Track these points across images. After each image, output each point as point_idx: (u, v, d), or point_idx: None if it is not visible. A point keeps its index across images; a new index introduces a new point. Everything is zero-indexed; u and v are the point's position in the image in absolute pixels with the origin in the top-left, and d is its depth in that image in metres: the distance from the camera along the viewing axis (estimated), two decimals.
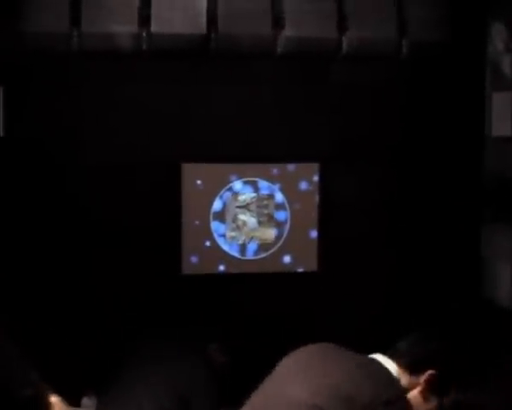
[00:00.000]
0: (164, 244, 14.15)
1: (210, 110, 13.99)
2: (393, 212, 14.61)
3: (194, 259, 14.44)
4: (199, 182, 14.38)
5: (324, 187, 14.49)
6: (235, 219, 14.55)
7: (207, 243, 14.47)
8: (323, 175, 14.47)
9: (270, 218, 14.58)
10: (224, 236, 14.49)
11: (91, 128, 13.65)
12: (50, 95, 13.50)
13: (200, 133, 14.05)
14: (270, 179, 14.59)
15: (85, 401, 12.35)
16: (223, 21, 13.55)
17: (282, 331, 13.79)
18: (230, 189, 14.49)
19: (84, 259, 13.83)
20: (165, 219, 14.09)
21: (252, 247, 14.62)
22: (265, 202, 14.60)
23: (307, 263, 14.76)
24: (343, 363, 2.84)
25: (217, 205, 14.48)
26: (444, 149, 14.45)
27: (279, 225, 14.64)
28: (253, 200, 14.56)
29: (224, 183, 14.50)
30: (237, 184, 14.52)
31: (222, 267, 14.57)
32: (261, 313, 14.01)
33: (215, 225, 14.48)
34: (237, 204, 14.53)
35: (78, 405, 12.02)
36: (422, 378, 2.66)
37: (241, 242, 14.57)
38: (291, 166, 14.61)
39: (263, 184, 14.57)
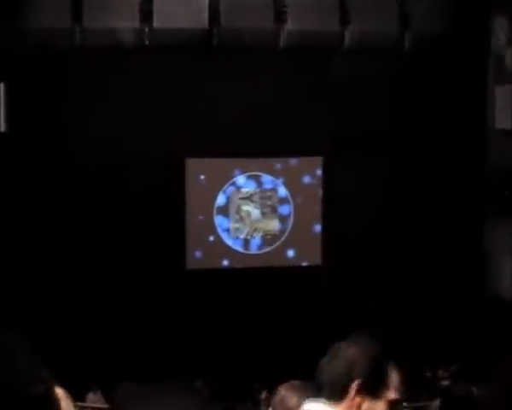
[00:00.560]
0: (168, 239, 14.21)
1: (212, 105, 14.01)
2: (397, 206, 14.57)
3: (198, 254, 14.55)
4: (202, 177, 14.46)
5: (328, 181, 14.54)
6: (238, 211, 14.59)
7: (211, 238, 14.58)
8: (327, 169, 14.51)
9: (274, 209, 14.63)
10: (227, 230, 14.55)
11: (93, 124, 13.65)
12: (52, 91, 13.48)
13: (203, 128, 14.08)
14: (274, 174, 14.63)
15: (90, 396, 12.40)
16: (225, 16, 13.64)
17: (286, 326, 13.79)
18: (234, 183, 14.55)
19: (87, 254, 13.84)
20: (168, 214, 14.15)
21: (255, 241, 14.65)
22: (269, 194, 14.62)
23: (311, 257, 14.83)
24: None
25: (220, 200, 14.53)
26: (446, 144, 14.40)
27: (283, 219, 14.66)
28: (257, 191, 14.60)
29: (227, 177, 14.56)
30: (240, 179, 14.58)
31: (226, 262, 14.68)
32: (264, 308, 13.91)
33: (219, 220, 14.55)
34: (240, 196, 14.56)
35: (83, 400, 12.07)
36: (352, 394, 2.68)
37: (244, 234, 14.63)
38: (294, 161, 14.68)
39: (266, 179, 14.61)
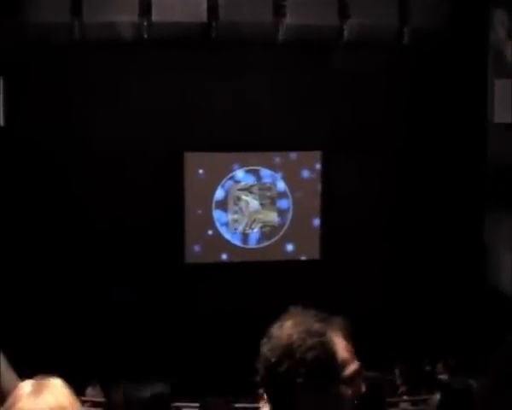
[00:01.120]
0: (166, 233, 14.22)
1: (211, 98, 13.98)
2: (396, 200, 14.56)
3: (196, 248, 14.56)
4: (201, 171, 14.45)
5: (326, 175, 14.53)
6: (237, 201, 14.59)
7: (210, 232, 14.58)
8: (325, 163, 14.51)
9: (273, 201, 14.60)
10: (226, 224, 14.55)
11: (91, 118, 13.59)
12: (51, 85, 13.47)
13: (202, 122, 14.04)
14: (273, 168, 14.63)
15: (90, 390, 12.40)
16: (223, 9, 13.60)
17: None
18: (232, 177, 14.56)
19: (86, 249, 13.83)
20: (167, 208, 14.16)
21: (254, 236, 14.65)
22: (268, 186, 14.62)
23: (310, 251, 14.83)
24: None
25: (219, 194, 14.53)
26: (446, 138, 14.38)
27: (282, 213, 14.66)
28: (255, 183, 14.59)
29: (225, 171, 14.56)
30: (239, 173, 14.59)
31: (224, 256, 14.69)
32: (263, 302, 13.03)
33: (217, 214, 14.55)
34: (239, 187, 14.57)
35: (83, 394, 12.07)
36: None
37: (243, 225, 14.60)
38: (293, 155, 14.69)
39: (265, 173, 14.60)
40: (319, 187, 14.60)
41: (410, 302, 14.43)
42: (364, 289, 14.16)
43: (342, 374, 2.79)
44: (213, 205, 14.51)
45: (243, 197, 14.56)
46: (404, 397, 10.98)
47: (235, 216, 14.56)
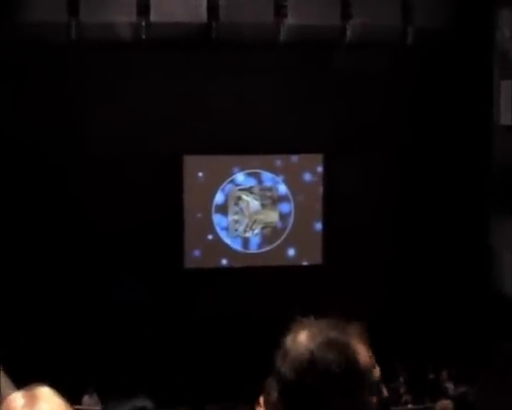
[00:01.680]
0: (165, 238, 14.09)
1: (211, 100, 13.83)
2: (399, 203, 14.46)
3: (196, 253, 14.40)
4: (200, 174, 14.31)
5: (328, 178, 14.41)
6: (237, 202, 14.45)
7: (210, 237, 14.43)
8: (327, 166, 14.38)
9: (274, 202, 14.46)
10: (226, 229, 14.41)
11: (90, 120, 13.46)
12: (48, 85, 13.31)
13: (202, 125, 13.90)
14: (274, 171, 14.49)
15: (86, 399, 12.27)
16: (224, 10, 13.48)
17: (286, 327, 13.37)
18: (233, 181, 14.42)
19: (83, 253, 13.70)
20: (166, 212, 14.02)
21: (255, 240, 14.51)
22: (269, 187, 14.48)
23: (312, 256, 14.69)
24: None
25: (219, 198, 14.37)
26: (450, 139, 14.24)
27: (283, 217, 14.51)
28: (256, 186, 14.46)
29: (226, 175, 14.42)
30: (240, 176, 14.44)
31: (224, 261, 14.54)
32: (264, 308, 13.67)
33: (217, 218, 14.39)
34: (240, 187, 14.45)
35: (79, 403, 11.93)
36: None
37: (244, 226, 14.45)
38: (294, 158, 14.56)
39: (266, 176, 14.46)
40: (321, 190, 14.46)
41: (413, 307, 14.29)
42: (368, 294, 13.98)
43: (367, 381, 2.62)
44: (213, 209, 14.34)
45: (244, 197, 14.42)
46: (409, 406, 10.85)
47: (236, 217, 14.41)
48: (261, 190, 14.40)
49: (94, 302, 13.73)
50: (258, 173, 14.41)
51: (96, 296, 13.76)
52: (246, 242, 14.46)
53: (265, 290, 14.05)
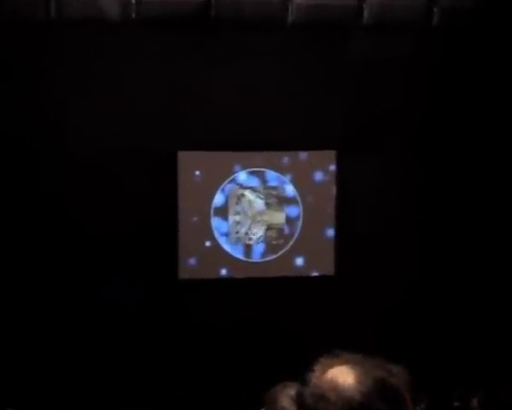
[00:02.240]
0: (158, 244, 13.41)
1: (209, 89, 13.07)
2: (422, 206, 13.80)
3: (192, 261, 13.64)
4: (197, 173, 13.55)
5: (342, 178, 13.76)
6: (239, 201, 13.81)
7: (207, 244, 13.66)
8: (341, 164, 13.67)
9: (280, 201, 13.75)
10: (226, 234, 13.62)
11: (73, 111, 12.65)
12: (26, 69, 12.53)
13: (198, 116, 13.20)
14: (280, 170, 13.67)
15: None
16: None
17: (293, 343, 13.03)
18: (233, 180, 13.62)
19: (69, 261, 13.04)
20: (158, 215, 13.33)
21: (258, 248, 13.69)
22: (275, 186, 13.69)
23: (323, 266, 13.95)
24: None
25: (218, 199, 13.60)
26: (477, 133, 13.53)
27: (290, 221, 13.77)
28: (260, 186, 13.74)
29: (226, 174, 13.66)
30: (242, 175, 13.63)
31: (224, 271, 13.79)
32: (268, 323, 13.18)
33: (216, 223, 13.61)
34: (242, 186, 13.76)
35: None
36: None
37: (246, 228, 13.89)
38: (303, 155, 13.74)
39: (271, 175, 13.64)
40: (334, 191, 13.63)
41: (438, 326, 13.55)
42: (385, 310, 13.39)
43: None
44: (212, 212, 13.50)
45: (246, 195, 13.57)
46: None
47: (237, 217, 13.55)
48: (266, 188, 13.63)
49: (81, 314, 13.12)
50: (263, 172, 13.58)
51: (83, 308, 13.14)
52: (248, 249, 13.62)
53: (270, 304, 13.41)
